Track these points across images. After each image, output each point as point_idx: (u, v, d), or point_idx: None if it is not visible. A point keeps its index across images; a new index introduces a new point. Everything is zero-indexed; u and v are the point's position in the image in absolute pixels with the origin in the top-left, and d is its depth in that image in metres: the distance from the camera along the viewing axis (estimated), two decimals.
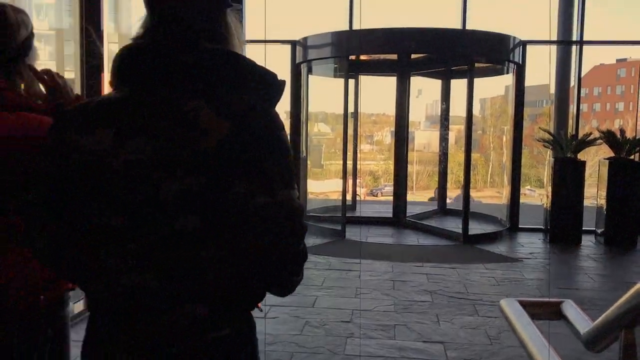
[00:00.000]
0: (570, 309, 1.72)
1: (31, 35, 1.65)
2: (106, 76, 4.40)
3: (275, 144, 1.07)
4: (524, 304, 1.78)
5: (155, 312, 1.08)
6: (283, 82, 1.17)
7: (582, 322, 1.62)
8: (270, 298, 3.87)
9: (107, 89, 4.46)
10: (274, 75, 1.15)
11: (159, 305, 1.07)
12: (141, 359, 1.10)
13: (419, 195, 21.64)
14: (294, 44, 8.22)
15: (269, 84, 1.14)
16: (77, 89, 4.49)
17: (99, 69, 4.36)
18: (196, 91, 1.06)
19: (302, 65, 8.20)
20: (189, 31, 1.11)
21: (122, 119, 1.07)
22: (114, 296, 1.10)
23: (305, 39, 7.97)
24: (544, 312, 1.82)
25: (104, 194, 1.07)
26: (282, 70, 8.44)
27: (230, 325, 1.14)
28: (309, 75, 8.41)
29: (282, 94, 1.17)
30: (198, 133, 1.02)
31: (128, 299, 1.08)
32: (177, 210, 1.02)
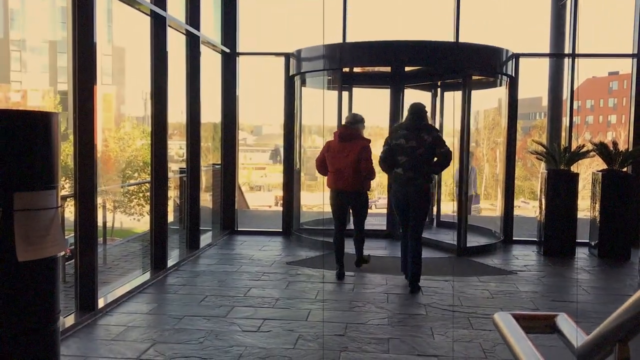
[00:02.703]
0: (564, 323, 1.71)
1: None
2: (99, 88, 4.39)
3: (441, 139, 5.53)
4: (518, 318, 1.76)
5: (412, 182, 5.49)
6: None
7: (576, 336, 1.60)
8: (263, 312, 3.87)
9: (99, 100, 4.45)
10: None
11: (413, 181, 5.49)
12: (406, 195, 5.54)
13: None
14: (287, 56, 8.24)
15: (436, 129, 5.69)
16: (69, 100, 4.47)
17: (92, 80, 4.34)
18: (425, 131, 5.51)
19: (295, 78, 8.22)
20: (421, 116, 5.60)
21: (407, 135, 5.53)
22: (401, 178, 5.54)
23: (298, 51, 8.00)
24: (538, 326, 1.80)
25: (402, 153, 5.51)
26: (275, 82, 8.46)
27: (427, 183, 5.54)
28: (303, 88, 8.43)
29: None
30: (426, 140, 5.45)
31: (405, 179, 5.52)
32: (421, 155, 5.45)
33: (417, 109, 5.59)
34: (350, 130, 5.90)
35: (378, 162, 5.74)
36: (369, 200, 6.18)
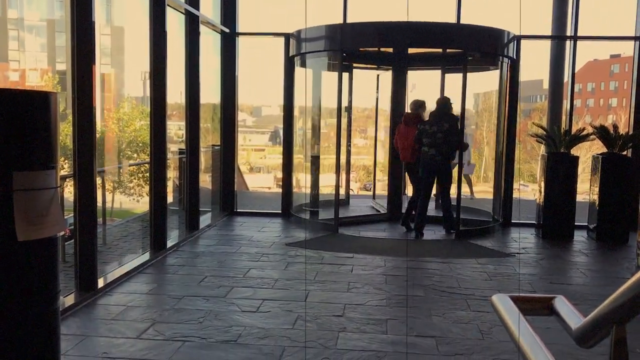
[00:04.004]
0: (562, 305, 1.71)
1: None
2: (97, 68, 4.36)
3: (457, 127, 7.04)
4: (516, 300, 1.77)
5: (434, 158, 7.01)
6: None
7: (574, 318, 1.61)
8: (262, 293, 3.87)
9: (98, 79, 4.42)
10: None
11: (435, 157, 7.01)
12: (430, 169, 7.11)
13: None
14: (287, 36, 8.18)
15: (455, 118, 7.17)
16: (68, 80, 4.44)
17: (91, 60, 4.31)
18: (445, 119, 7.01)
19: (295, 59, 8.17)
20: (442, 107, 7.15)
21: (431, 122, 7.08)
22: (426, 155, 7.08)
23: (299, 31, 7.94)
24: (536, 308, 1.81)
25: (427, 136, 7.04)
26: (275, 63, 8.41)
27: (446, 160, 7.09)
28: (303, 69, 8.38)
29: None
30: (444, 126, 6.94)
31: (429, 156, 7.03)
32: (439, 138, 6.97)
33: (441, 101, 7.28)
34: (413, 115, 7.63)
35: (413, 140, 7.33)
36: None
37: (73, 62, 4.31)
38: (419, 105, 7.74)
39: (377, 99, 9.24)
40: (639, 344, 3.51)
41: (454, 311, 4.33)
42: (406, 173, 8.05)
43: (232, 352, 3.44)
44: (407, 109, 7.99)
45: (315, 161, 8.59)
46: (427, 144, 7.07)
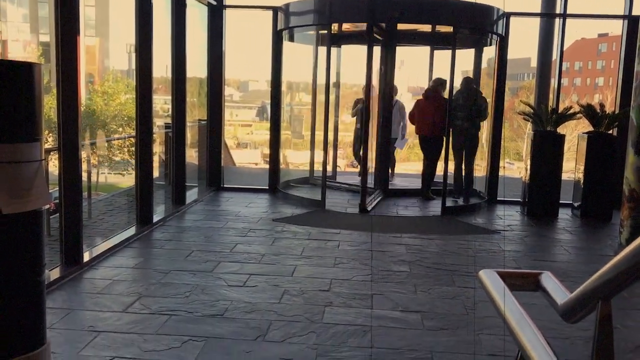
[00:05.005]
0: (549, 281, 1.73)
1: None
2: (81, 39, 4.28)
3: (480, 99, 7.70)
4: (503, 275, 1.78)
5: (470, 131, 7.67)
6: None
7: (560, 294, 1.63)
8: (249, 267, 3.87)
9: (82, 52, 4.34)
10: None
11: (471, 130, 7.66)
12: (459, 139, 7.70)
13: (401, 168, 21.66)
14: (275, 10, 8.08)
15: (480, 94, 7.82)
16: (52, 52, 4.36)
17: (75, 31, 4.23)
18: (473, 95, 7.71)
19: (283, 33, 8.08)
20: (469, 85, 7.73)
21: (465, 98, 7.67)
22: (462, 127, 7.61)
23: (287, 5, 7.83)
24: (523, 284, 1.83)
25: (461, 110, 7.64)
26: (263, 37, 8.31)
27: (477, 130, 7.83)
28: (291, 43, 8.29)
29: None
30: (475, 102, 7.64)
31: (465, 128, 7.61)
32: (475, 111, 7.62)
33: (470, 79, 7.90)
34: (433, 92, 8.01)
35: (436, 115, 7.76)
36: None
37: (57, 33, 4.22)
38: (440, 83, 8.06)
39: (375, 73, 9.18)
40: (623, 320, 3.57)
41: (439, 287, 4.37)
42: (422, 147, 8.24)
43: (218, 326, 3.45)
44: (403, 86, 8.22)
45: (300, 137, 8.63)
46: (461, 118, 7.62)
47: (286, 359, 3.07)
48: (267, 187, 8.41)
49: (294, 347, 3.21)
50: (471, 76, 8.11)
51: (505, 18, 7.69)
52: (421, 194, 8.27)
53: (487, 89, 8.23)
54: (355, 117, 9.45)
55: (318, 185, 7.90)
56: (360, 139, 8.54)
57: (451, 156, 7.59)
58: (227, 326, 3.46)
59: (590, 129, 7.44)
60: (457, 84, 7.68)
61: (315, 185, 8.48)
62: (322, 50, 7.60)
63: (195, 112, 8.80)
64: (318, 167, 8.28)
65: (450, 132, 7.60)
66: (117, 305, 3.75)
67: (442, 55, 8.81)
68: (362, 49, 9.33)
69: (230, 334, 3.36)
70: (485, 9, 7.46)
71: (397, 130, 9.16)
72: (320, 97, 8.02)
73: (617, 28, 8.19)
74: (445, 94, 7.91)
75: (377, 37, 7.82)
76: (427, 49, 9.20)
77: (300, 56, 8.69)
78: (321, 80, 7.65)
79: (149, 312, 3.65)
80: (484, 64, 8.39)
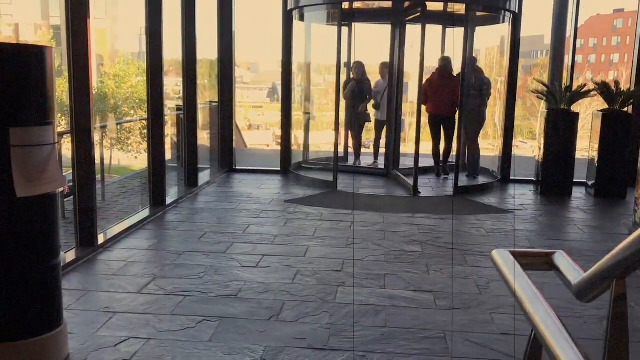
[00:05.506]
0: (562, 260, 1.72)
1: None
2: (91, 22, 4.27)
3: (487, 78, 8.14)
4: (516, 255, 1.78)
5: (482, 108, 7.93)
6: None
7: (574, 273, 1.62)
8: (262, 248, 3.89)
9: (93, 34, 4.34)
10: None
11: (482, 107, 7.94)
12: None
13: (413, 148, 21.51)
14: None
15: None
16: (63, 35, 4.36)
17: (85, 14, 4.22)
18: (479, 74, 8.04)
19: (294, 12, 8.02)
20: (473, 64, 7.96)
21: (476, 77, 7.91)
22: (474, 104, 7.78)
23: None
24: (536, 263, 1.82)
25: (475, 90, 7.79)
26: (273, 17, 8.25)
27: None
28: (301, 23, 8.23)
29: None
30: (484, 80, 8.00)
31: (477, 105, 7.87)
32: (485, 90, 7.97)
33: (473, 59, 8.11)
34: (447, 72, 8.04)
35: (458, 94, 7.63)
36: None
37: (67, 16, 4.22)
38: (450, 61, 8.13)
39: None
40: (638, 299, 3.56)
41: (452, 266, 4.37)
42: (436, 126, 8.17)
43: (232, 307, 3.48)
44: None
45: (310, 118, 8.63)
46: (475, 97, 7.82)
47: (299, 338, 3.10)
48: (280, 169, 8.41)
49: (307, 327, 3.24)
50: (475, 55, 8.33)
51: None
52: (442, 172, 8.32)
53: (499, 67, 8.15)
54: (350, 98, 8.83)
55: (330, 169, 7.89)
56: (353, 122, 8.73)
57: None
58: (241, 306, 3.49)
59: (605, 106, 7.35)
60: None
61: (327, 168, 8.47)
62: (334, 29, 7.53)
63: (207, 94, 8.79)
64: (330, 147, 8.27)
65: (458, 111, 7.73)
66: (132, 287, 3.79)
67: (454, 33, 8.69)
68: (372, 27, 9.27)
69: (244, 314, 3.39)
70: None
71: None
72: (331, 77, 7.96)
73: (633, 3, 8.04)
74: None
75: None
76: (439, 27, 9.08)
77: (311, 36, 8.62)
78: (332, 60, 7.59)
79: (163, 293, 3.69)
80: (497, 42, 8.29)
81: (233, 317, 3.35)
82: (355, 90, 8.56)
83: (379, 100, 8.70)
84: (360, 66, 8.63)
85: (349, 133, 9.13)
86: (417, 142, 7.45)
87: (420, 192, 7.05)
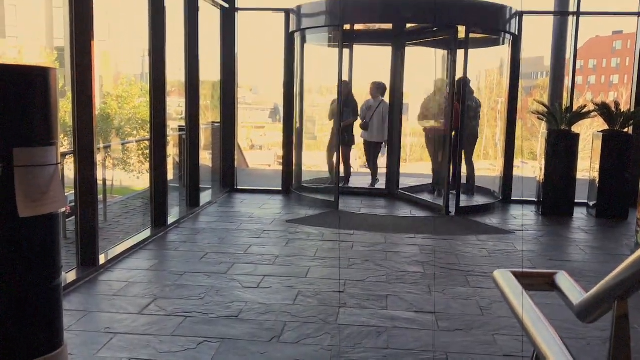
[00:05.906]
0: (564, 280, 1.72)
1: None
2: (95, 43, 4.32)
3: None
4: (518, 275, 1.78)
5: (477, 128, 8.47)
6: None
7: (576, 293, 1.62)
8: (263, 269, 3.88)
9: (96, 55, 4.38)
10: None
11: (477, 128, 8.38)
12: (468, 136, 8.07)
13: (413, 168, 21.59)
14: (287, 12, 8.10)
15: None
16: (67, 57, 4.40)
17: (89, 36, 4.27)
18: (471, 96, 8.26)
19: (295, 34, 8.10)
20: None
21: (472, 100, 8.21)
22: (471, 125, 8.14)
23: (299, 7, 7.85)
24: (537, 283, 1.82)
25: (471, 110, 8.09)
26: (275, 39, 8.33)
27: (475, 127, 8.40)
28: (303, 45, 8.31)
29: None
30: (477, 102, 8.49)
31: (473, 126, 8.19)
32: (479, 112, 8.44)
33: (467, 80, 7.78)
34: (442, 91, 7.98)
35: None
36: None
37: (72, 38, 4.27)
38: (445, 83, 8.03)
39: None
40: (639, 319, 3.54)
41: (454, 287, 4.35)
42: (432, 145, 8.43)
43: (233, 328, 3.47)
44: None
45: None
46: (471, 117, 8.14)
47: None
48: (281, 189, 8.42)
49: (308, 348, 3.22)
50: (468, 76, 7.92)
51: (518, 17, 7.65)
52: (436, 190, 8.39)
53: (499, 88, 8.21)
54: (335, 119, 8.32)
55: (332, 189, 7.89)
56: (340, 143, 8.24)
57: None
58: (242, 327, 3.48)
59: (605, 127, 7.38)
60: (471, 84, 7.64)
61: (328, 189, 8.48)
62: (335, 51, 7.60)
63: (209, 114, 8.84)
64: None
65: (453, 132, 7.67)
66: (133, 307, 3.78)
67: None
68: (373, 49, 9.35)
69: (245, 335, 3.37)
70: (497, 7, 7.41)
71: (381, 132, 8.81)
72: (333, 98, 8.00)
73: (632, 25, 8.11)
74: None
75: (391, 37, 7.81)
76: (439, 48, 9.15)
77: (313, 57, 8.69)
78: (333, 81, 7.64)
79: (164, 314, 3.67)
80: (497, 63, 8.35)
81: (234, 338, 3.33)
82: (341, 109, 8.37)
83: (367, 120, 8.70)
84: (345, 85, 8.40)
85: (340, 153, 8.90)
86: (451, 161, 7.45)
87: (452, 212, 7.18)
